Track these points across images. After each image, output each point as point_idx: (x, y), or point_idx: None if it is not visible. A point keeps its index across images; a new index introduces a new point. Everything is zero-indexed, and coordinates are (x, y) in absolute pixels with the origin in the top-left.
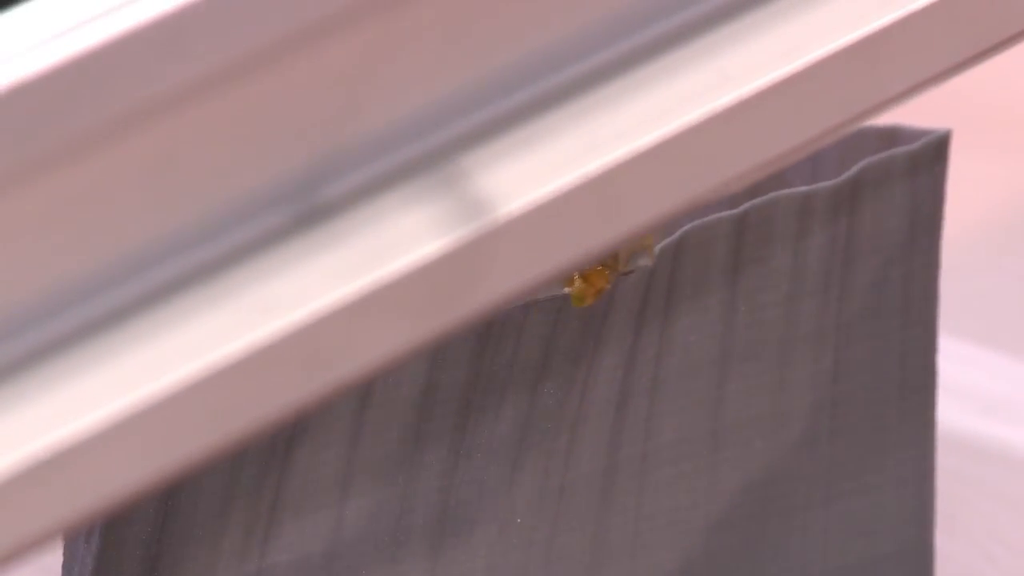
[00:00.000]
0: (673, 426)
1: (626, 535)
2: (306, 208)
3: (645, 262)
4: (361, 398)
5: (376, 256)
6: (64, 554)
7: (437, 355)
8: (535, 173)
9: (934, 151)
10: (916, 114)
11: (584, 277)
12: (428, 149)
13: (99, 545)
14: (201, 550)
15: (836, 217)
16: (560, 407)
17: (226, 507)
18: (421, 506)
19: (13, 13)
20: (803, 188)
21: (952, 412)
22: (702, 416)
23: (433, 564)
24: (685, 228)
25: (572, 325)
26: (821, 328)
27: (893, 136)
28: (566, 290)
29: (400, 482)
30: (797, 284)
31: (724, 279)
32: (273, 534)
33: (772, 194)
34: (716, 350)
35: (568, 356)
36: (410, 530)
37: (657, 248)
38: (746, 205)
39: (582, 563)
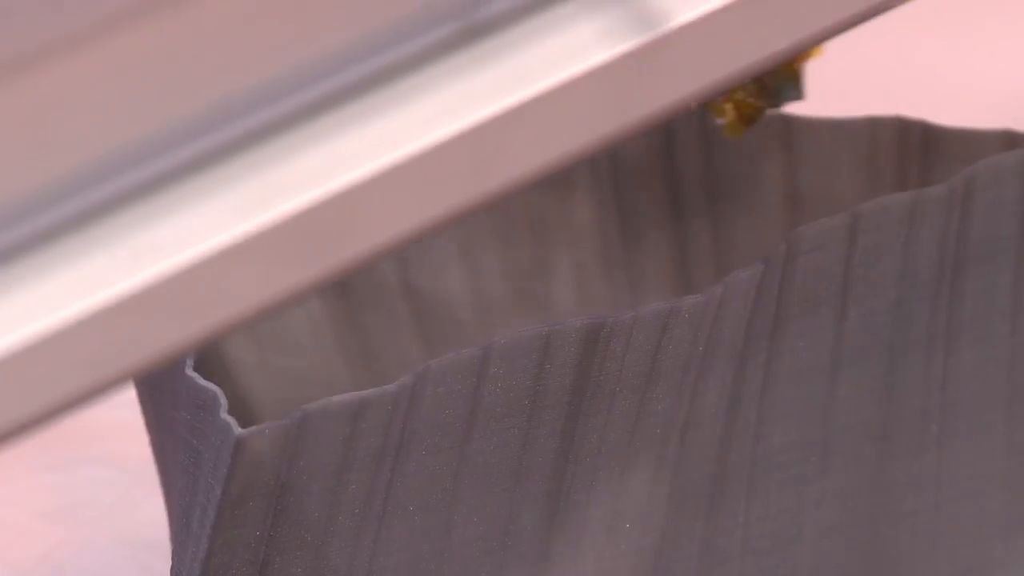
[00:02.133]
0: (782, 432)
1: (734, 541)
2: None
3: (795, 95)
4: (470, 403)
5: (546, 66)
6: (173, 558)
7: (545, 361)
8: None
9: None
10: None
11: (736, 108)
12: None
13: (207, 550)
14: (310, 553)
15: (946, 222)
16: (669, 413)
17: (335, 511)
18: (529, 510)
19: None
20: (913, 192)
21: None
22: (811, 422)
23: (541, 568)
24: (794, 233)
25: (681, 331)
26: (930, 334)
27: (1006, 140)
28: (719, 121)
29: (509, 486)
30: (906, 289)
31: (834, 284)
32: (382, 538)
33: (882, 198)
34: (825, 356)
35: (677, 362)
36: (519, 534)
37: (766, 254)
38: (855, 210)
39: (690, 568)
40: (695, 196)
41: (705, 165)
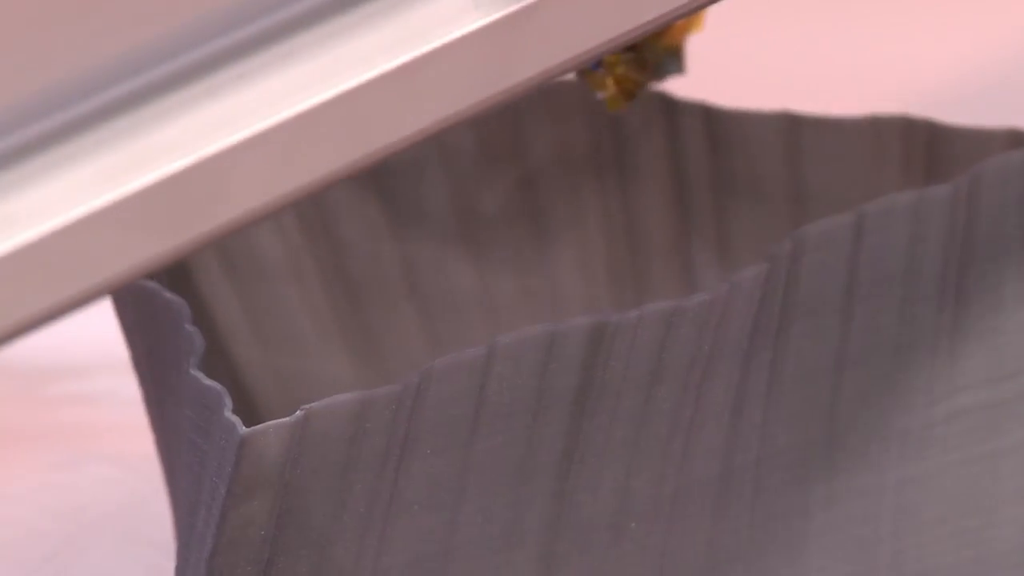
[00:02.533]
0: (788, 432)
1: (739, 541)
2: None
3: (676, 69)
4: (475, 402)
5: (419, 32)
6: (177, 558)
7: (550, 360)
8: None
9: None
10: None
11: (617, 82)
12: None
13: (211, 549)
14: (314, 552)
15: (952, 221)
16: (675, 412)
17: (340, 510)
18: (535, 510)
19: None
20: (919, 191)
21: None
22: (817, 422)
23: (546, 568)
24: (800, 232)
25: (686, 331)
26: (936, 333)
27: (1011, 139)
28: (600, 95)
29: (514, 485)
30: (912, 288)
31: (839, 283)
32: (387, 537)
33: (887, 197)
34: (831, 355)
35: (682, 361)
36: (523, 534)
37: (771, 253)
38: (861, 208)
39: (695, 569)
40: (701, 195)
41: (711, 164)
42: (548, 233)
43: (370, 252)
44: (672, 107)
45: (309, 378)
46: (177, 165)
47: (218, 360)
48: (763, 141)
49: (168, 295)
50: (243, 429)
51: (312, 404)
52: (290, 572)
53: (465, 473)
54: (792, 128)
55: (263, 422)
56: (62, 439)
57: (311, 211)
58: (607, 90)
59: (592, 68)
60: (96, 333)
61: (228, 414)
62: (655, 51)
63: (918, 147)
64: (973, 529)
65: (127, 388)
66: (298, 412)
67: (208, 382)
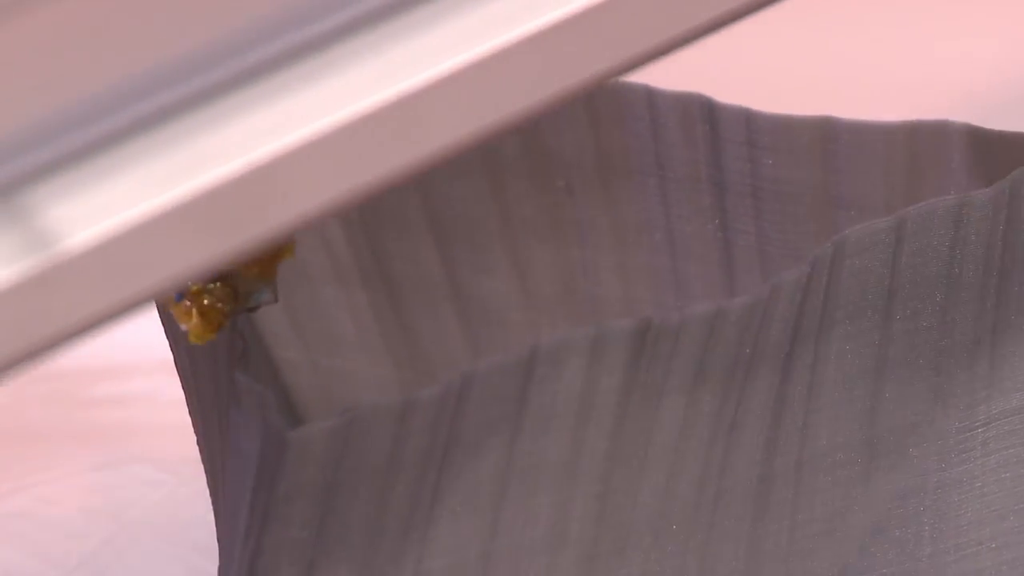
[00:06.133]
0: (828, 434)
1: (780, 543)
2: None
3: (269, 298)
4: (518, 404)
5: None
6: (220, 558)
7: (592, 363)
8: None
9: None
10: None
11: (202, 314)
12: None
13: (254, 550)
14: (357, 554)
15: (992, 225)
16: (716, 414)
17: (382, 512)
18: (576, 512)
19: None
20: (959, 195)
21: None
22: (857, 424)
23: (588, 570)
24: (841, 235)
25: (728, 333)
26: (976, 336)
27: None
28: (183, 326)
29: (555, 488)
30: (952, 291)
31: (880, 287)
32: (429, 539)
33: (928, 201)
34: (871, 358)
35: (725, 364)
36: (565, 536)
37: (812, 256)
38: (902, 213)
39: (736, 570)
40: (741, 200)
41: (751, 169)
42: (588, 237)
43: (411, 254)
44: (712, 112)
45: (351, 379)
46: (231, 169)
47: (261, 362)
48: (802, 146)
49: None
50: (287, 431)
51: (355, 405)
52: (332, 572)
53: (507, 475)
54: (831, 133)
55: (305, 423)
56: (102, 441)
57: (352, 213)
58: (191, 321)
59: (176, 299)
60: (136, 336)
61: (272, 415)
62: (247, 281)
63: (958, 152)
64: (1012, 531)
65: (167, 390)
66: (342, 413)
67: (252, 384)
